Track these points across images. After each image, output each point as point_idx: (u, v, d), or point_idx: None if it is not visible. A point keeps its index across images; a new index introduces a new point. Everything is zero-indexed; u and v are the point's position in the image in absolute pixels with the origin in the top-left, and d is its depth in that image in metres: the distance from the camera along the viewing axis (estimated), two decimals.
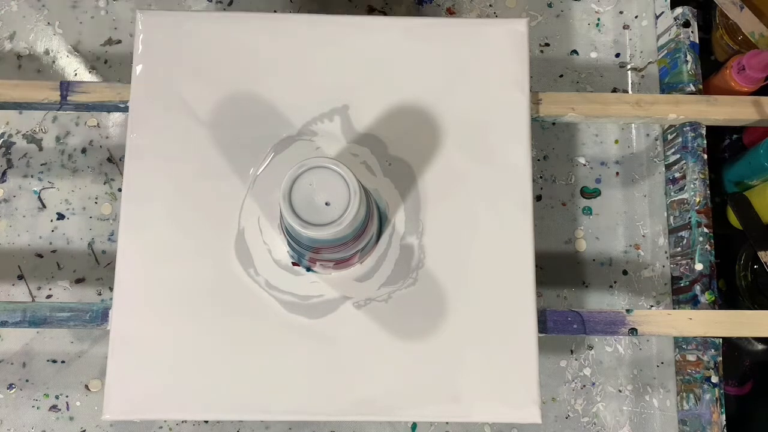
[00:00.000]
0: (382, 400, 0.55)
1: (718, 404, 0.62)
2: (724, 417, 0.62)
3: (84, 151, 0.72)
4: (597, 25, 0.77)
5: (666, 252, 0.71)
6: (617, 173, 0.73)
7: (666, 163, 0.71)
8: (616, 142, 0.74)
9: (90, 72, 0.74)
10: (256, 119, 0.59)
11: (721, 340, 0.63)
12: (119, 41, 0.74)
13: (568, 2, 0.77)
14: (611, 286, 0.71)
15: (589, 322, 0.59)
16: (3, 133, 0.72)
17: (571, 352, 0.69)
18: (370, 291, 0.57)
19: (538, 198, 0.72)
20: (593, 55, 0.76)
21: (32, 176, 0.71)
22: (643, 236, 0.72)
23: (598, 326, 0.59)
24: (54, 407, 0.67)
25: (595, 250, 0.71)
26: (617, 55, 0.76)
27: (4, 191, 0.70)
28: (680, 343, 0.66)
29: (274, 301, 0.56)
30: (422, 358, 0.55)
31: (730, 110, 0.65)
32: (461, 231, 0.58)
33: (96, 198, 0.71)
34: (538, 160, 0.73)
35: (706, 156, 0.66)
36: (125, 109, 0.61)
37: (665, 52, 0.72)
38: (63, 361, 0.67)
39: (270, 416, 0.55)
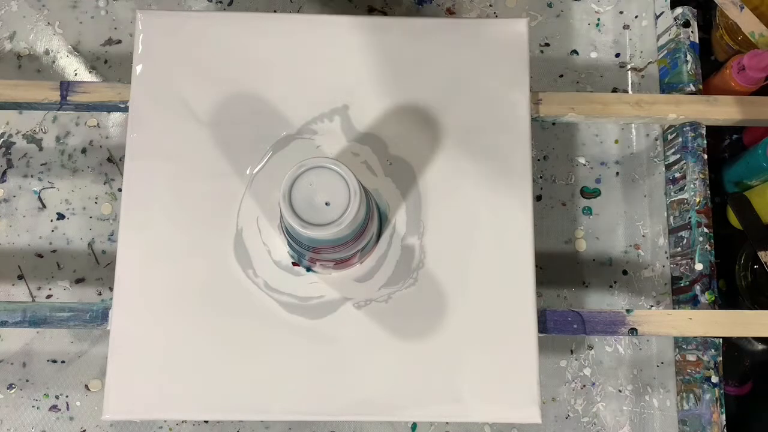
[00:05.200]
0: (382, 400, 0.55)
1: (718, 404, 0.62)
2: (724, 417, 0.62)
3: (84, 151, 0.72)
4: (597, 25, 0.77)
5: (666, 252, 0.71)
6: (617, 173, 0.73)
7: (666, 163, 0.71)
8: (616, 142, 0.74)
9: (90, 72, 0.74)
10: (256, 119, 0.59)
11: (721, 340, 0.63)
12: (119, 41, 0.74)
13: (568, 2, 0.77)
14: (611, 286, 0.71)
15: (589, 322, 0.59)
16: (3, 133, 0.72)
17: (571, 352, 0.69)
18: (371, 292, 0.57)
19: (538, 198, 0.72)
20: (593, 55, 0.76)
21: (32, 176, 0.71)
22: (643, 236, 0.72)
23: (598, 326, 0.59)
24: (54, 407, 0.67)
25: (595, 250, 0.71)
26: (617, 55, 0.76)
27: (4, 191, 0.70)
28: (680, 343, 0.66)
29: (274, 303, 0.56)
30: (422, 358, 0.55)
31: (730, 110, 0.65)
32: (461, 231, 0.58)
33: (96, 198, 0.71)
34: (538, 160, 0.73)
35: (706, 156, 0.66)
36: (125, 109, 0.61)
37: (665, 52, 0.72)
38: (63, 361, 0.67)
39: (270, 416, 0.55)
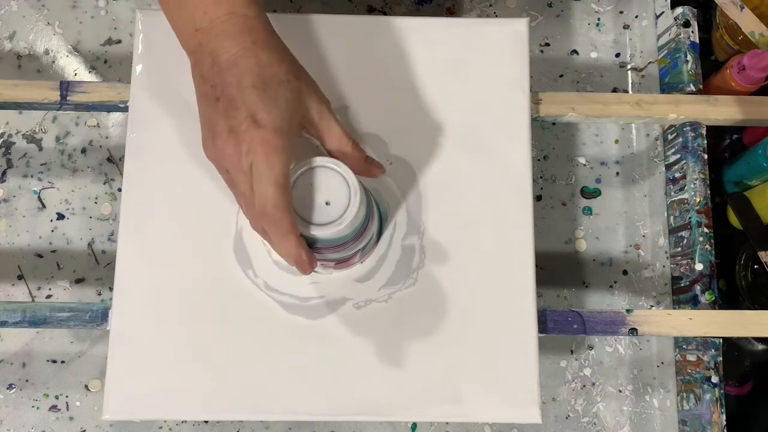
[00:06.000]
0: (382, 400, 0.55)
1: (718, 404, 0.62)
2: (724, 417, 0.62)
3: (84, 151, 0.72)
4: (597, 25, 0.77)
5: (666, 252, 0.71)
6: (617, 173, 0.73)
7: (666, 163, 0.71)
8: (616, 142, 0.74)
9: (90, 72, 0.74)
10: None
11: (721, 340, 0.63)
12: (119, 41, 0.74)
13: (568, 2, 0.77)
14: (611, 286, 0.71)
15: (589, 322, 0.59)
16: (3, 133, 0.72)
17: (571, 352, 0.69)
18: (371, 292, 0.57)
19: (538, 198, 0.72)
20: (593, 55, 0.76)
21: (32, 176, 0.71)
22: (643, 236, 0.72)
23: (599, 326, 0.59)
24: (54, 407, 0.67)
25: (595, 250, 0.71)
26: (617, 55, 0.76)
27: (4, 191, 0.70)
28: (680, 343, 0.66)
29: (274, 303, 0.56)
30: (422, 358, 0.55)
31: (730, 110, 0.65)
32: (461, 231, 0.58)
33: (96, 198, 0.71)
34: (538, 160, 0.73)
35: (706, 156, 0.66)
36: (125, 109, 0.61)
37: (665, 52, 0.72)
38: (63, 361, 0.67)
39: (270, 416, 0.55)
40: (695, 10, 0.71)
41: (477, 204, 0.58)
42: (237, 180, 0.47)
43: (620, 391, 0.68)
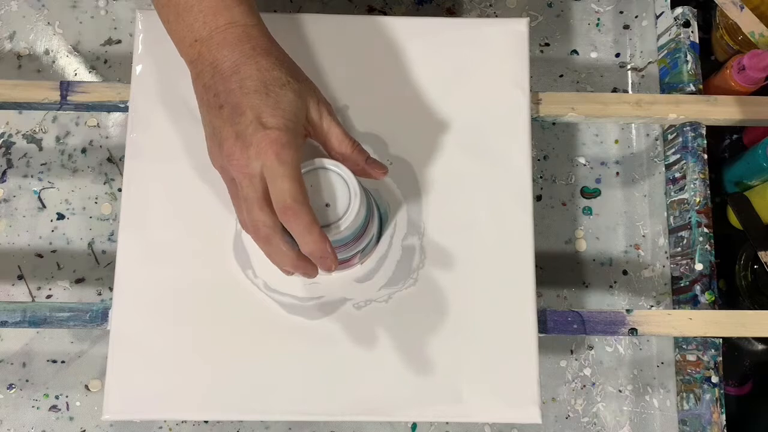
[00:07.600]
0: (382, 400, 0.55)
1: (718, 404, 0.62)
2: (724, 417, 0.62)
3: (84, 151, 0.72)
4: (597, 25, 0.77)
5: (666, 252, 0.71)
6: (617, 173, 0.73)
7: (666, 163, 0.71)
8: (616, 142, 0.74)
9: (90, 72, 0.74)
10: None
11: (721, 340, 0.63)
12: (119, 41, 0.74)
13: (568, 2, 0.77)
14: (611, 286, 0.71)
15: (589, 322, 0.59)
16: (3, 133, 0.72)
17: (571, 352, 0.69)
18: (371, 292, 0.57)
19: (538, 198, 0.72)
20: (593, 55, 0.76)
21: (32, 176, 0.71)
22: (643, 236, 0.72)
23: (598, 326, 0.59)
24: (54, 407, 0.67)
25: (595, 250, 0.71)
26: (617, 55, 0.76)
27: (4, 191, 0.70)
28: (680, 343, 0.66)
29: (274, 303, 0.56)
30: (422, 358, 0.55)
31: (730, 110, 0.65)
32: (461, 231, 0.58)
33: (96, 198, 0.71)
34: (538, 160, 0.73)
35: (706, 156, 0.66)
36: (125, 109, 0.61)
37: (665, 52, 0.72)
38: (63, 361, 0.67)
39: (270, 416, 0.55)
40: (695, 10, 0.71)
41: (477, 204, 0.58)
42: (241, 184, 0.46)
43: (620, 391, 0.68)
